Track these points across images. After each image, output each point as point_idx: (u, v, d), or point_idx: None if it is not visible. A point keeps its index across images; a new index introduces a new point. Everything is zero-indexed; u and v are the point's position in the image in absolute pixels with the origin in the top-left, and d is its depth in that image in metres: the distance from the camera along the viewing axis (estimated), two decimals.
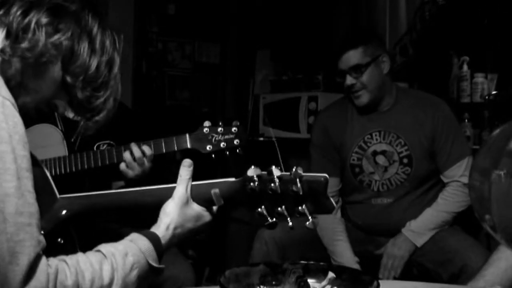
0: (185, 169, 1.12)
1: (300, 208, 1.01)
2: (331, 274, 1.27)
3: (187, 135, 1.80)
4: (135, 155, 1.81)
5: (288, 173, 1.02)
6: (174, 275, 1.91)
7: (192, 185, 1.12)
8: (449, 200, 2.18)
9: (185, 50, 4.14)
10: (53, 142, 1.92)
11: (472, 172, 1.04)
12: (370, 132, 2.24)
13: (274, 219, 1.04)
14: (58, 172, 1.84)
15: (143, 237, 1.03)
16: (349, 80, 2.16)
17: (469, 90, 2.91)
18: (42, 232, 0.93)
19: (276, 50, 4.11)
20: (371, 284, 1.18)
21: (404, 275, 2.15)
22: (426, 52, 3.22)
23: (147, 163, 1.83)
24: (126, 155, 1.82)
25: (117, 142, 2.01)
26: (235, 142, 1.77)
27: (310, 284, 1.23)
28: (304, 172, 1.01)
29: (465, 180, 2.12)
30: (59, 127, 1.96)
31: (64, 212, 1.15)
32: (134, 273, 0.97)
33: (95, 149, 1.97)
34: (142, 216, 1.11)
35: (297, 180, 1.00)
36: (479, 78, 2.88)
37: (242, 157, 1.79)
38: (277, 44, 4.07)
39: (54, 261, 0.91)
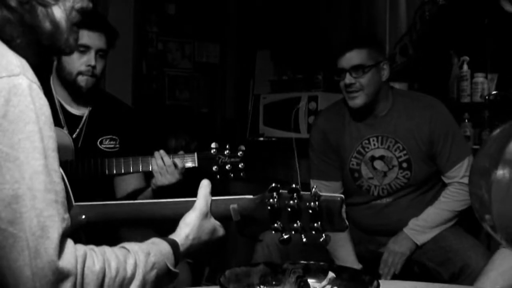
0: (204, 186, 1.17)
1: (315, 224, 1.06)
2: (331, 274, 1.27)
3: (196, 154, 1.89)
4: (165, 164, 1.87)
5: (307, 193, 1.07)
6: None
7: (211, 200, 1.17)
8: (451, 199, 2.17)
9: (185, 50, 4.14)
10: (61, 146, 1.92)
11: (472, 172, 1.04)
12: (368, 137, 2.23)
13: (288, 235, 1.08)
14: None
15: (164, 242, 1.07)
16: (348, 79, 2.14)
17: (469, 90, 2.91)
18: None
19: (276, 50, 4.11)
20: (371, 284, 1.19)
21: (405, 274, 2.16)
22: (426, 52, 3.22)
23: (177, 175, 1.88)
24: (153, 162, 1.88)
25: (120, 137, 2.03)
26: (239, 166, 1.88)
27: (310, 284, 1.23)
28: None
29: (466, 180, 2.11)
30: (62, 122, 1.96)
31: (83, 217, 1.16)
32: (154, 272, 1.00)
33: (98, 144, 1.99)
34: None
35: (315, 198, 1.06)
36: (479, 78, 2.88)
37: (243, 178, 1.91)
38: (277, 44, 4.06)
39: (81, 246, 0.93)
